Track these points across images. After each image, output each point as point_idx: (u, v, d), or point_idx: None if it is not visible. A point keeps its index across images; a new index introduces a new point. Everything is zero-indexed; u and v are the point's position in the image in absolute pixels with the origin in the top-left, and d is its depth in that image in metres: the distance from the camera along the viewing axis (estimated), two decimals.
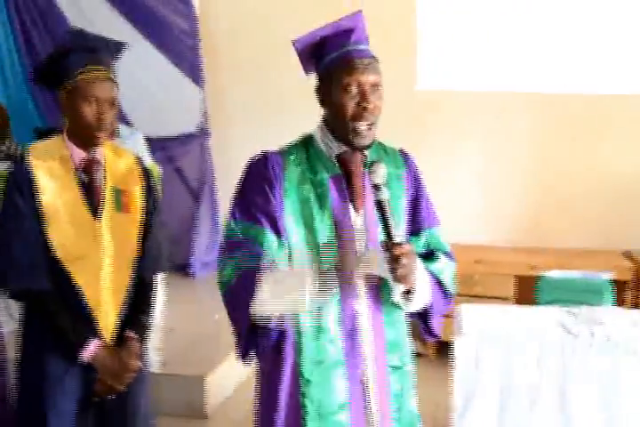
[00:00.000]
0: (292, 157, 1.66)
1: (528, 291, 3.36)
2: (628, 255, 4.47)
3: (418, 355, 3.67)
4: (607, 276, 3.16)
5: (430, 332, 1.69)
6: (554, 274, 3.13)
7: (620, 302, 3.70)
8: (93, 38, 2.01)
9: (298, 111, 5.13)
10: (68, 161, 1.86)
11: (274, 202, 1.58)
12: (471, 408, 2.42)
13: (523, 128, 4.74)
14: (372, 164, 1.54)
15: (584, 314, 2.62)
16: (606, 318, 2.63)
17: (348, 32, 1.63)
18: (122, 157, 1.98)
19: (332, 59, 1.62)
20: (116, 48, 2.03)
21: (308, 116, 5.82)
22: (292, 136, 5.91)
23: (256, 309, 1.51)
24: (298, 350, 1.59)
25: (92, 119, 1.84)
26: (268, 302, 1.50)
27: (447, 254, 1.70)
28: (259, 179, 1.63)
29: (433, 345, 3.84)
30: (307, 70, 1.74)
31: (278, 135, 5.51)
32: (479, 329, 2.49)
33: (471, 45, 4.73)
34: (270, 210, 1.58)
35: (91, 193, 1.89)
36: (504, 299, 3.87)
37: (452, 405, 2.43)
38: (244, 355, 1.62)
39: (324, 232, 1.57)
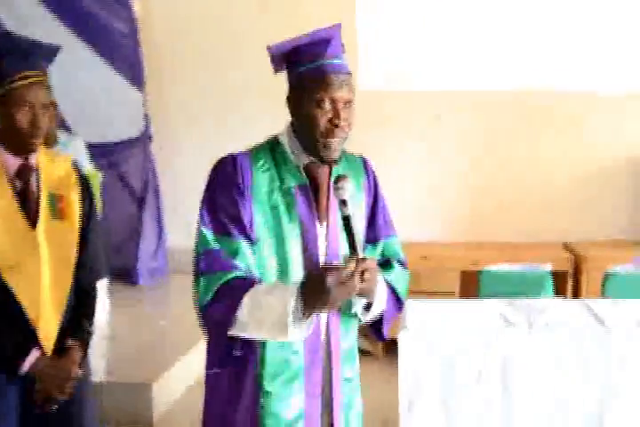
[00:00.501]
0: (260, 162, 1.61)
1: (472, 285, 3.42)
2: (566, 247, 4.59)
3: (366, 353, 3.70)
4: (547, 267, 3.24)
5: (380, 335, 1.69)
6: (495, 268, 3.19)
7: (560, 292, 3.80)
8: (26, 42, 1.95)
9: (240, 112, 5.14)
10: (0, 168, 1.81)
11: (243, 208, 1.54)
12: (417, 404, 2.44)
13: (463, 126, 4.82)
14: (338, 178, 1.50)
15: (524, 305, 2.67)
16: (545, 308, 2.69)
17: (324, 43, 1.58)
18: (57, 163, 1.94)
19: (307, 70, 1.57)
20: (50, 52, 1.98)
21: (250, 117, 5.88)
22: (233, 137, 5.91)
23: (235, 330, 1.47)
24: (261, 362, 1.56)
25: (26, 125, 1.79)
26: (247, 327, 1.47)
27: (401, 263, 1.71)
28: (227, 182, 1.57)
29: (381, 343, 3.87)
30: (276, 71, 1.69)
31: (220, 137, 5.56)
32: (422, 324, 2.52)
33: (412, 45, 4.80)
34: (240, 217, 1.54)
35: (26, 200, 1.83)
36: (450, 294, 3.93)
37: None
38: (219, 364, 1.57)
39: (294, 243, 1.55)
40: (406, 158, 4.83)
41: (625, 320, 2.65)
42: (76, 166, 1.98)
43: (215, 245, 1.53)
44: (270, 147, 1.64)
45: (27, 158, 1.86)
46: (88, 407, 1.98)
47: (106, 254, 2.06)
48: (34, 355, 1.80)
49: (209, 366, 1.60)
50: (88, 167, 4.07)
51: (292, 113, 1.64)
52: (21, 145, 1.82)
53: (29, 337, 1.81)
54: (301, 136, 1.60)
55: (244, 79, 4.96)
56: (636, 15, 4.78)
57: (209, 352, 1.59)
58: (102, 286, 4.00)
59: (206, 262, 1.52)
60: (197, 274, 1.53)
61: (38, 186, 1.86)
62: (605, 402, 2.48)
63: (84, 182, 1.97)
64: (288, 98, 1.65)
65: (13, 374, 1.79)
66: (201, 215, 1.57)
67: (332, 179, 1.55)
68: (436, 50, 4.82)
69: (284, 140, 1.65)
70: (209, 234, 1.54)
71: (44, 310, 1.83)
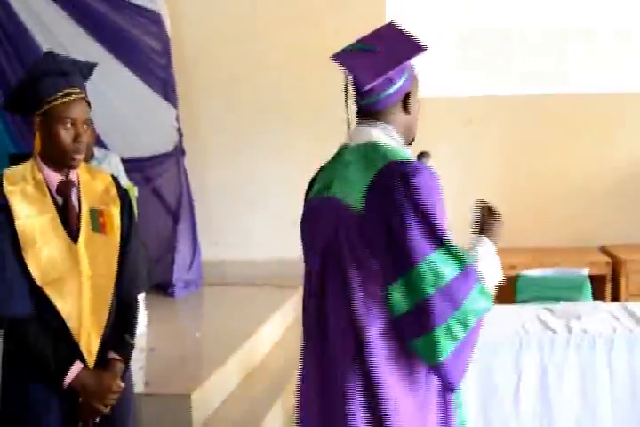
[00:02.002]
0: None
1: (507, 290, 3.38)
2: (603, 250, 4.52)
3: None
4: (584, 271, 3.19)
5: None
6: (531, 273, 3.15)
7: (599, 296, 3.74)
8: (65, 60, 2.01)
9: (269, 127, 5.19)
10: (42, 184, 1.85)
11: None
12: None
13: (494, 131, 4.80)
14: (421, 154, 1.78)
15: (562, 310, 2.63)
16: (584, 313, 2.65)
17: None
18: (97, 178, 1.98)
19: None
20: (87, 69, 2.04)
21: (279, 132, 5.94)
22: (264, 153, 5.95)
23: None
24: None
25: (69, 142, 1.85)
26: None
27: None
28: (438, 194, 1.64)
29: None
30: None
31: (251, 152, 5.61)
32: None
33: (443, 51, 4.80)
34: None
35: (67, 215, 1.87)
36: None
37: None
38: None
39: None
40: (436, 164, 4.81)
41: None
42: (116, 181, 2.03)
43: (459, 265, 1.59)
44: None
45: (67, 174, 1.90)
46: (130, 420, 2.00)
47: (148, 268, 2.08)
48: (77, 368, 1.82)
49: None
50: (125, 182, 4.15)
51: (405, 109, 1.79)
52: (64, 161, 1.87)
53: (72, 351, 1.84)
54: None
55: (273, 94, 5.01)
56: None
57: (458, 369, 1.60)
58: (141, 298, 4.05)
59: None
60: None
61: (79, 201, 1.90)
62: None
63: (124, 196, 2.01)
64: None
65: (57, 387, 1.81)
66: (432, 233, 1.57)
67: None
68: (467, 56, 4.81)
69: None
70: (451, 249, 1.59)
71: (85, 324, 1.85)
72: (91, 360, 1.86)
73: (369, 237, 1.59)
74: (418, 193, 1.58)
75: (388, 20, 5.54)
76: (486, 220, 1.77)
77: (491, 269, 1.67)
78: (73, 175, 1.90)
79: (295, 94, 4.99)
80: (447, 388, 1.63)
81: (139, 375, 3.21)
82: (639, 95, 4.76)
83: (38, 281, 1.79)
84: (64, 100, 1.85)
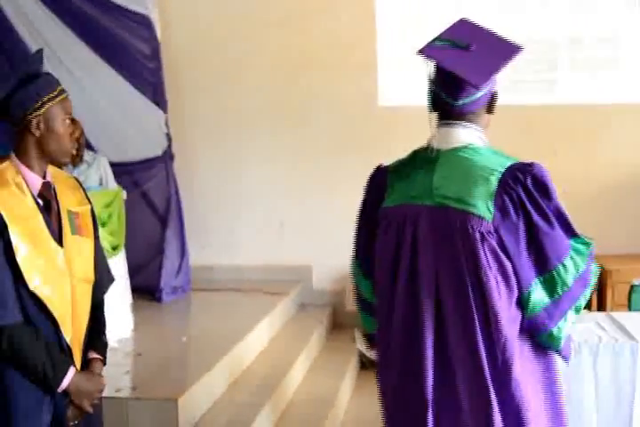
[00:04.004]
0: None
1: None
2: None
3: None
4: None
5: None
6: None
7: (586, 306, 3.76)
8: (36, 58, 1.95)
9: (259, 132, 5.20)
10: (23, 188, 1.81)
11: None
12: None
13: (497, 141, 4.80)
14: None
15: None
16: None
17: None
18: (64, 180, 1.96)
19: None
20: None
21: (267, 137, 5.92)
22: (253, 156, 5.91)
23: None
24: None
25: (70, 138, 1.85)
26: None
27: None
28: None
29: None
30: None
31: (240, 155, 5.59)
32: None
33: (425, 60, 4.82)
34: None
35: (50, 218, 1.85)
36: None
37: None
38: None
39: None
40: None
41: None
42: (79, 181, 2.02)
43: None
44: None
45: (45, 176, 1.86)
46: (101, 419, 2.00)
47: (107, 264, 2.09)
48: (71, 372, 1.82)
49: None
50: (113, 185, 4.14)
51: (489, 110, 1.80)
52: (64, 158, 1.86)
53: (66, 355, 1.83)
54: None
55: (261, 97, 5.03)
56: None
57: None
58: (127, 303, 4.04)
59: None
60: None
61: (57, 203, 1.88)
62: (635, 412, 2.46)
63: (88, 197, 2.01)
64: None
65: (51, 392, 1.81)
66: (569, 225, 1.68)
67: None
68: None
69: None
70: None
71: (74, 327, 1.85)
72: (78, 362, 1.86)
73: (505, 243, 1.62)
74: (551, 191, 1.67)
75: (377, 25, 5.51)
76: None
77: None
78: (49, 177, 1.87)
79: (283, 96, 5.00)
80: (565, 359, 1.75)
81: (125, 380, 3.20)
82: (624, 106, 4.82)
83: (31, 287, 1.76)
84: (62, 96, 1.84)
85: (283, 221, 4.98)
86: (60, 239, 1.84)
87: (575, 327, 2.48)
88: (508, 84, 4.88)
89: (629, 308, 3.26)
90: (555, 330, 1.67)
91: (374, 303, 1.87)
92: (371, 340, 1.95)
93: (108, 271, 2.05)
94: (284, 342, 4.14)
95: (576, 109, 4.82)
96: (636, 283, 3.30)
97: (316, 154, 4.82)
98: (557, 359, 1.77)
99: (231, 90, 5.05)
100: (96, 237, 1.98)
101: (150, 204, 4.78)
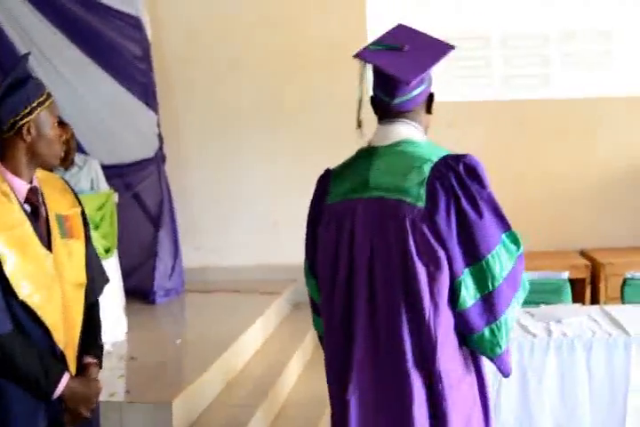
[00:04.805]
0: None
1: None
2: (583, 254, 4.57)
3: None
4: (564, 275, 3.22)
5: None
6: None
7: (579, 300, 3.78)
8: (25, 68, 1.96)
9: (251, 132, 5.19)
10: (9, 194, 1.78)
11: None
12: None
13: (476, 136, 4.82)
14: None
15: (542, 313, 2.64)
16: (564, 316, 2.67)
17: None
18: (52, 182, 1.94)
19: None
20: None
21: (259, 137, 5.90)
22: (246, 156, 5.89)
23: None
24: None
25: (59, 141, 1.84)
26: None
27: None
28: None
29: None
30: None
31: (233, 155, 5.58)
32: None
33: None
34: None
35: (38, 224, 1.83)
36: None
37: None
38: None
39: None
40: None
41: None
42: (67, 183, 1.99)
43: None
44: None
45: (32, 181, 1.84)
46: (96, 425, 1.97)
47: (102, 266, 2.08)
48: (65, 378, 1.80)
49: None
50: (106, 187, 4.12)
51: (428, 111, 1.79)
52: (53, 161, 1.84)
53: (59, 361, 1.81)
54: None
55: (254, 97, 5.01)
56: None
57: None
58: (120, 306, 4.02)
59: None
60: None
61: (45, 208, 1.86)
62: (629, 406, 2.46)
63: (78, 198, 1.98)
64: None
65: (46, 399, 1.79)
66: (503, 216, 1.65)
67: None
68: (448, 62, 4.84)
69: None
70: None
71: (67, 332, 1.83)
72: (73, 367, 1.84)
73: (437, 230, 1.60)
74: (483, 179, 1.63)
75: (368, 25, 5.54)
76: None
77: None
78: (35, 181, 1.85)
79: (276, 96, 4.99)
80: (504, 374, 1.70)
81: (119, 384, 3.18)
82: (620, 99, 4.82)
83: (20, 295, 1.74)
84: (50, 100, 1.82)
85: (276, 220, 4.97)
86: (49, 244, 1.82)
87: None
88: (501, 79, 4.89)
89: (622, 301, 3.26)
90: (486, 331, 1.62)
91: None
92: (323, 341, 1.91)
93: (102, 272, 2.03)
94: (279, 341, 4.13)
95: (570, 104, 4.83)
96: (629, 276, 3.30)
97: (310, 153, 4.81)
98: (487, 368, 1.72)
99: (223, 90, 5.04)
100: (88, 239, 1.96)
101: (142, 206, 4.77)
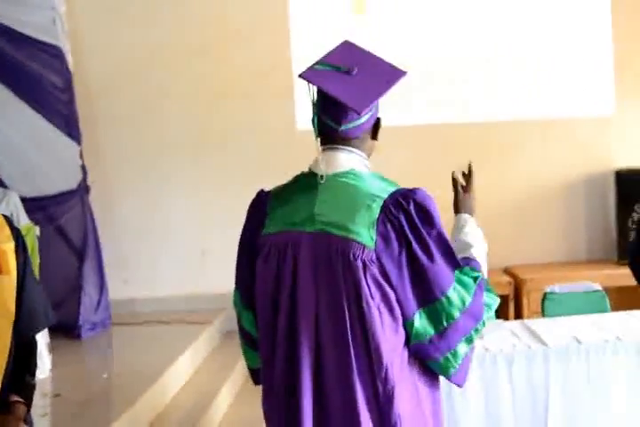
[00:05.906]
0: None
1: None
2: (507, 271, 4.71)
3: None
4: None
5: None
6: None
7: (503, 316, 3.88)
8: None
9: (178, 161, 5.17)
10: None
11: None
12: None
13: (397, 161, 4.93)
14: None
15: None
16: (486, 332, 2.72)
17: None
18: None
19: None
20: None
21: (186, 166, 5.84)
22: (172, 186, 5.82)
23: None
24: None
25: None
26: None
27: None
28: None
29: None
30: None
31: (159, 185, 5.51)
32: None
33: None
34: None
35: None
36: None
37: None
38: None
39: None
40: None
41: (562, 337, 2.72)
42: (8, 220, 1.96)
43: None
44: None
45: None
46: None
47: (45, 306, 2.01)
48: None
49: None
50: (26, 222, 4.01)
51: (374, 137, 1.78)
52: None
53: None
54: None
55: (180, 126, 5.01)
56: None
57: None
58: (44, 342, 3.89)
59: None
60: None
61: None
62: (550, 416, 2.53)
63: (18, 235, 1.95)
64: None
65: None
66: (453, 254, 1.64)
67: None
68: None
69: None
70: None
71: None
72: None
73: (387, 272, 1.57)
74: (434, 217, 1.62)
75: (292, 53, 5.58)
76: (460, 198, 2.02)
77: (481, 247, 1.84)
78: None
79: (203, 125, 5.00)
80: (458, 386, 1.70)
81: (43, 423, 3.07)
82: (536, 123, 5.04)
83: None
84: None
85: (204, 249, 4.93)
86: None
87: (489, 338, 2.56)
88: (424, 103, 5.03)
89: (543, 315, 3.36)
90: (442, 361, 1.61)
91: (256, 337, 1.78)
92: (255, 376, 1.84)
93: (45, 312, 1.95)
94: (209, 371, 4.08)
95: (488, 127, 5.02)
96: (549, 290, 3.41)
97: (238, 181, 4.82)
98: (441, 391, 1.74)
99: (150, 119, 5.02)
100: (25, 274, 1.89)
101: (66, 239, 4.66)
